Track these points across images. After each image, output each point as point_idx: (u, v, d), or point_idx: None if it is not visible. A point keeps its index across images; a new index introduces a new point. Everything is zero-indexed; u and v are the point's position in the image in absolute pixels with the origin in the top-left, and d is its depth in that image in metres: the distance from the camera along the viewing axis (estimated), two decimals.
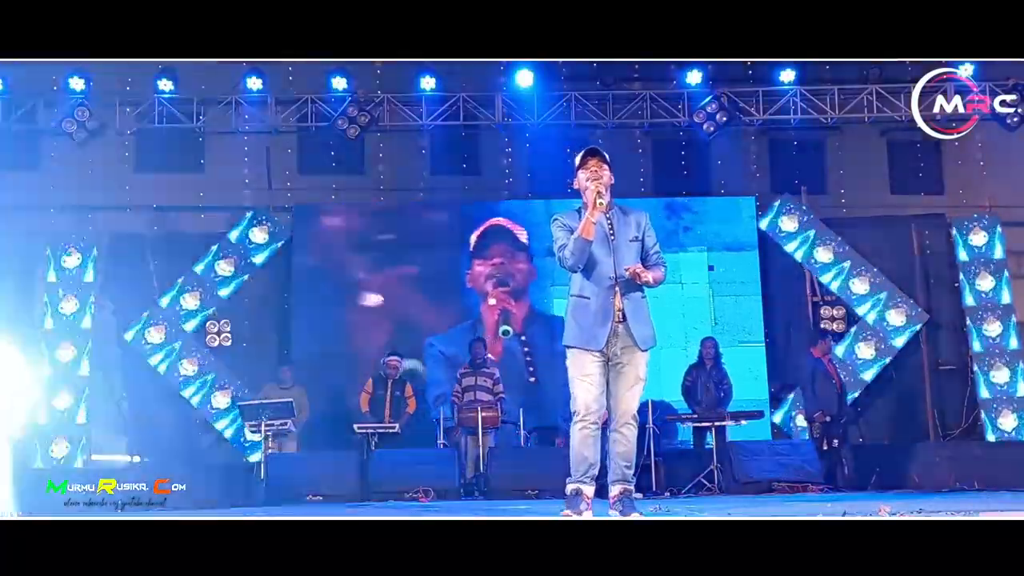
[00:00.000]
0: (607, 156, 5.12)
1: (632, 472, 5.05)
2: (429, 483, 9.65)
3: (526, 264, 13.18)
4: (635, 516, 4.83)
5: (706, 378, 10.91)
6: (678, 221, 13.09)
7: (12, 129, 11.97)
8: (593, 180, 4.96)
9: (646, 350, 5.02)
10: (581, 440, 4.93)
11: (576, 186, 5.10)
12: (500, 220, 13.32)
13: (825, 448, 10.28)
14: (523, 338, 12.94)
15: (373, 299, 13.01)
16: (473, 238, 13.25)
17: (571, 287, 5.09)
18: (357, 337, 12.88)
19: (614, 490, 4.99)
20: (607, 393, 5.00)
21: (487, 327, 13.02)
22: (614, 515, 4.91)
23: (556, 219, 5.13)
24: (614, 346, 4.95)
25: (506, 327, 12.87)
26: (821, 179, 14.26)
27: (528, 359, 12.84)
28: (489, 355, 12.49)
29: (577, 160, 5.13)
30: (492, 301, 13.07)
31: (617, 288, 4.95)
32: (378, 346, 12.30)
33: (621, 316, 4.94)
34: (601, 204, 4.89)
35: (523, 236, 13.15)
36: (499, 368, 11.70)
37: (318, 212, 13.30)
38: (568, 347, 5.04)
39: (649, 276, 4.95)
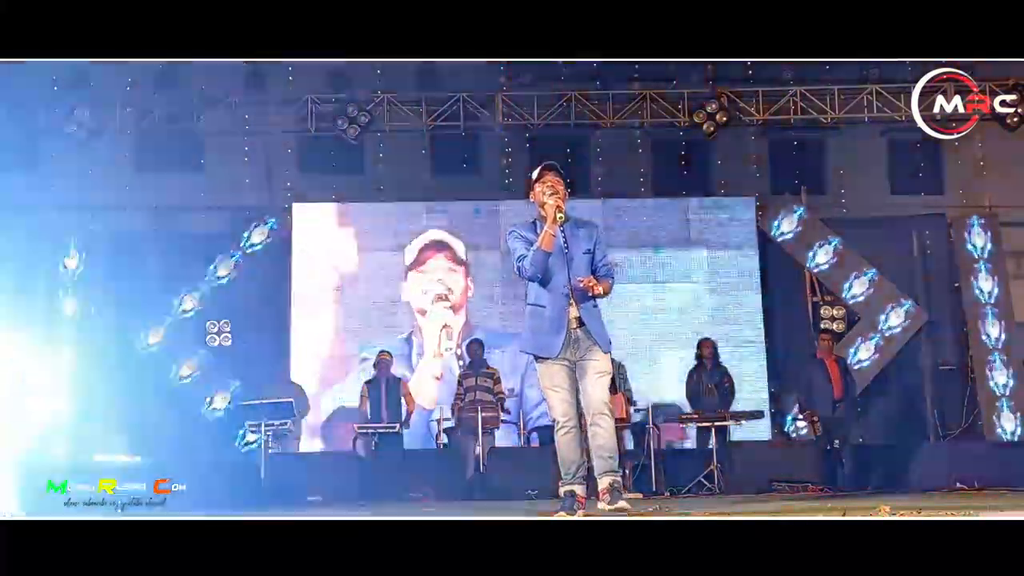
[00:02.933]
0: (562, 171, 5.36)
1: (616, 462, 5.24)
2: (429, 483, 9.65)
3: (464, 278, 13.10)
4: (622, 504, 5.06)
5: (707, 379, 10.89)
6: (678, 221, 13.08)
7: (12, 129, 11.96)
8: (552, 195, 5.19)
9: (607, 352, 5.27)
10: (566, 444, 5.20)
11: (532, 199, 5.34)
12: (438, 233, 13.20)
13: (827, 448, 10.26)
14: (458, 353, 12.67)
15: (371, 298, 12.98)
16: (410, 251, 13.11)
17: (528, 296, 5.35)
18: (357, 337, 12.85)
19: (602, 483, 5.18)
20: (580, 393, 5.24)
21: (426, 342, 12.88)
22: (602, 506, 5.12)
23: (513, 231, 5.38)
24: (577, 350, 5.20)
25: (448, 343, 12.80)
26: (821, 179, 14.26)
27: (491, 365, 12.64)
28: (432, 371, 12.47)
29: (534, 174, 5.35)
30: (434, 316, 12.96)
31: (572, 298, 5.19)
32: (378, 347, 12.26)
33: (578, 322, 5.20)
34: (561, 218, 5.13)
35: (461, 250, 13.11)
36: (439, 384, 11.71)
37: (318, 212, 13.29)
38: (524, 352, 5.35)
39: (600, 288, 5.18)
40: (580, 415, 5.27)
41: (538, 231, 5.21)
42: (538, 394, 5.41)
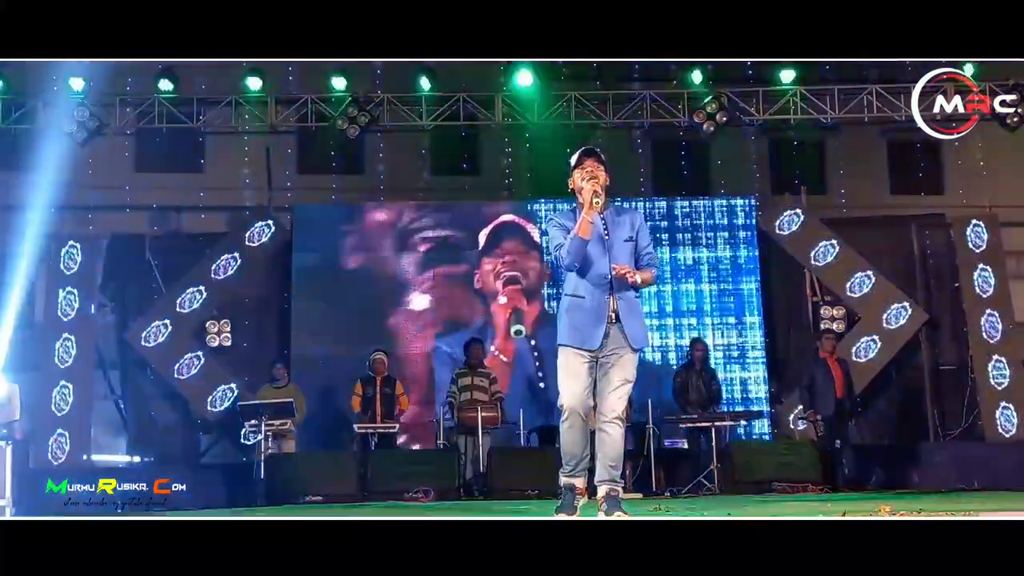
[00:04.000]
0: (603, 156, 5.16)
1: (618, 472, 5.07)
2: (429, 483, 9.66)
3: (538, 263, 12.92)
4: (618, 515, 4.87)
5: (696, 379, 10.98)
6: (678, 221, 13.07)
7: (12, 129, 11.96)
8: (589, 180, 5.01)
9: (637, 350, 5.08)
10: (570, 435, 5.02)
11: (572, 186, 5.14)
12: (512, 216, 13.06)
13: (828, 448, 10.27)
14: (532, 342, 12.61)
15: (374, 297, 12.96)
16: (483, 235, 13.00)
17: (566, 286, 5.14)
18: (357, 337, 12.82)
19: (601, 491, 5.03)
20: (596, 391, 5.05)
21: (497, 327, 12.78)
22: (600, 516, 4.96)
23: (552, 219, 5.21)
24: (605, 346, 5.00)
25: (518, 326, 12.33)
26: (821, 179, 14.27)
27: (537, 363, 12.60)
28: (502, 355, 12.30)
29: (572, 160, 5.16)
30: (503, 300, 12.80)
31: (612, 288, 5.00)
32: (377, 346, 12.25)
33: (615, 317, 4.99)
34: (598, 203, 4.94)
35: (535, 234, 12.93)
36: (509, 369, 11.56)
37: (318, 212, 13.27)
38: (562, 346, 5.07)
39: (638, 277, 4.97)
40: (589, 411, 5.06)
41: (576, 219, 5.01)
42: None
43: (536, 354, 12.58)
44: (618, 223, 5.10)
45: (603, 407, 5.04)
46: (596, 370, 5.03)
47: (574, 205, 5.18)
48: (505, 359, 12.25)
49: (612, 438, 5.03)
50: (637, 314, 5.10)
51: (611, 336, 5.00)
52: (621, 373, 5.03)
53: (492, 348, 12.69)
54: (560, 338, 5.09)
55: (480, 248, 13.00)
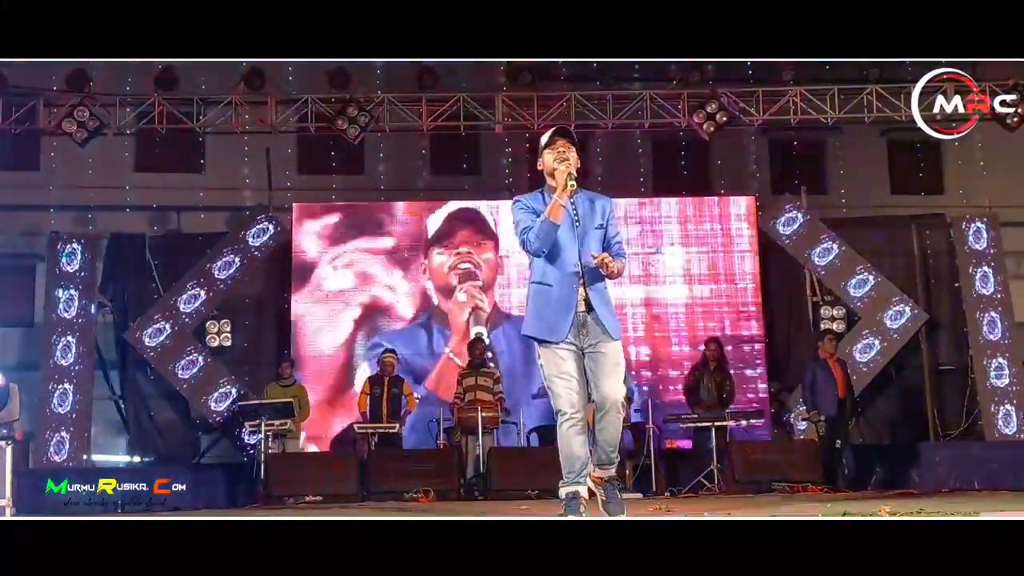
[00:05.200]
0: (575, 137, 4.92)
1: (616, 455, 4.87)
2: (429, 483, 9.66)
3: (494, 254, 12.30)
4: (621, 495, 4.82)
5: (708, 379, 10.87)
6: (678, 221, 13.06)
7: (12, 129, 11.96)
8: (562, 161, 4.77)
9: (617, 339, 4.81)
10: (570, 438, 4.74)
11: (540, 167, 4.90)
12: (463, 202, 12.41)
13: (828, 448, 10.26)
14: (487, 341, 11.89)
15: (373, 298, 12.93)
16: (432, 221, 12.27)
17: (532, 274, 4.87)
18: (357, 337, 12.83)
19: (599, 472, 4.84)
20: (590, 384, 4.80)
21: (453, 328, 12.17)
22: (599, 498, 4.80)
23: (518, 201, 4.94)
24: (585, 337, 4.75)
25: (479, 329, 11.90)
26: (821, 179, 14.28)
27: (492, 364, 11.67)
28: (456, 358, 11.78)
29: (543, 139, 4.90)
30: (462, 298, 12.19)
31: (582, 277, 4.76)
32: (377, 345, 12.26)
33: (586, 306, 4.74)
34: (573, 186, 4.70)
35: (491, 221, 12.32)
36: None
37: (318, 212, 13.28)
38: (528, 337, 4.85)
39: (615, 266, 4.71)
40: (584, 407, 4.80)
41: (546, 202, 4.76)
42: None
43: (490, 355, 11.74)
44: (590, 209, 4.86)
45: (603, 396, 4.78)
46: (585, 362, 4.77)
47: (541, 188, 4.95)
48: (460, 363, 11.46)
49: (613, 426, 4.80)
50: (610, 305, 4.83)
51: (588, 326, 4.75)
52: (611, 359, 4.77)
53: (447, 350, 12.20)
54: (526, 328, 4.86)
55: (429, 237, 12.49)
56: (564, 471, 4.81)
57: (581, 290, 4.76)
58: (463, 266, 12.32)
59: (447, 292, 12.49)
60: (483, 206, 12.77)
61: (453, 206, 12.79)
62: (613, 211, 4.94)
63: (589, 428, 4.92)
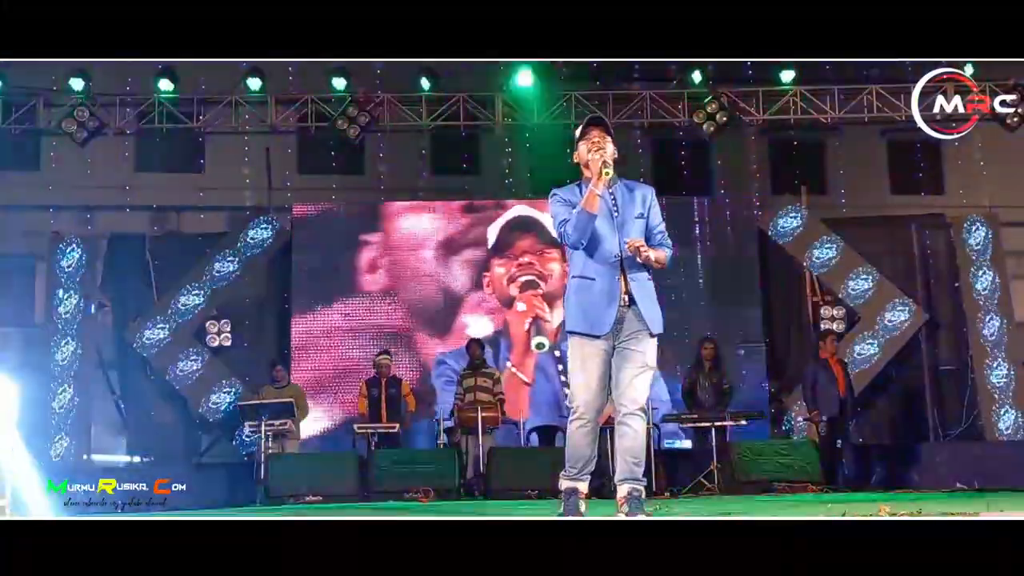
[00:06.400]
0: (611, 127, 4.82)
1: (641, 470, 4.63)
2: (429, 483, 9.65)
3: (559, 262, 11.79)
4: (641, 517, 4.52)
5: (704, 379, 10.87)
6: (678, 221, 13.05)
7: (12, 129, 11.97)
8: (596, 151, 4.65)
9: (656, 334, 4.66)
10: (580, 437, 4.65)
11: (576, 159, 4.79)
12: (524, 209, 11.94)
13: (828, 448, 10.26)
14: (557, 353, 11.59)
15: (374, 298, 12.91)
16: (491, 231, 12.01)
17: (573, 267, 4.73)
18: (357, 337, 12.82)
19: (622, 490, 4.63)
20: (612, 382, 4.65)
21: (514, 340, 11.74)
22: (620, 516, 4.60)
23: (555, 194, 4.82)
24: (620, 332, 4.61)
25: (540, 339, 11.37)
26: (821, 179, 14.28)
27: (563, 379, 11.36)
28: (520, 373, 11.48)
29: (578, 131, 4.81)
30: (521, 307, 11.72)
31: (623, 267, 4.63)
32: (377, 346, 12.25)
33: (628, 299, 4.61)
34: (607, 175, 4.57)
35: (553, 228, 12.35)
36: (531, 389, 10.75)
37: (318, 212, 13.27)
38: (572, 333, 4.70)
39: (652, 254, 4.58)
40: (603, 409, 4.68)
41: (582, 193, 4.63)
42: None
43: (561, 367, 11.37)
44: (629, 199, 4.74)
45: (623, 398, 4.61)
46: (613, 359, 4.64)
47: (578, 181, 4.84)
48: (525, 379, 10.97)
49: (635, 431, 4.60)
50: (652, 297, 4.68)
51: (627, 320, 4.61)
52: (641, 359, 4.61)
53: (509, 364, 11.75)
54: (569, 324, 4.72)
55: (490, 247, 12.25)
56: (567, 464, 4.74)
57: (622, 282, 4.63)
58: (524, 277, 11.85)
59: (509, 304, 12.03)
60: (543, 216, 11.75)
61: (511, 214, 12.19)
62: (655, 199, 4.82)
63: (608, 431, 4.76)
